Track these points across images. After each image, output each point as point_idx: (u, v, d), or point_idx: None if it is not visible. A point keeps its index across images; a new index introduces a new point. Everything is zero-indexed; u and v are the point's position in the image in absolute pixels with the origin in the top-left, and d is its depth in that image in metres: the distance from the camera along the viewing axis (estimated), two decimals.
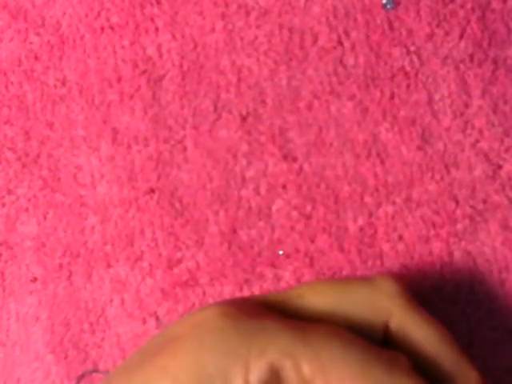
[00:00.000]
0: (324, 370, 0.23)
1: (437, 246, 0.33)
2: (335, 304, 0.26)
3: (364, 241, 0.33)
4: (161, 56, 0.34)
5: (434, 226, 0.33)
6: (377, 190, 0.33)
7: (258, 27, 0.34)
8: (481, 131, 0.33)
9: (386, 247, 0.33)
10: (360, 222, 0.33)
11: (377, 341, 0.26)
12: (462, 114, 0.33)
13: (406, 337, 0.26)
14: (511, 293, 0.32)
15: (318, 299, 0.26)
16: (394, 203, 0.33)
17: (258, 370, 0.23)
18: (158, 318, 0.33)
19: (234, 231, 0.33)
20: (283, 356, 0.23)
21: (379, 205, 0.33)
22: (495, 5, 0.34)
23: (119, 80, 0.34)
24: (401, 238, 0.33)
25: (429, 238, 0.33)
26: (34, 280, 0.34)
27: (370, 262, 0.33)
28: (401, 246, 0.33)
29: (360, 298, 0.26)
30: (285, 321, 0.25)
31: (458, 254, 0.33)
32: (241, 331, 0.24)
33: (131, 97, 0.34)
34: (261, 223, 0.33)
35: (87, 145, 0.34)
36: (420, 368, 0.26)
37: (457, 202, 0.33)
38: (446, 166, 0.33)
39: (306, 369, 0.23)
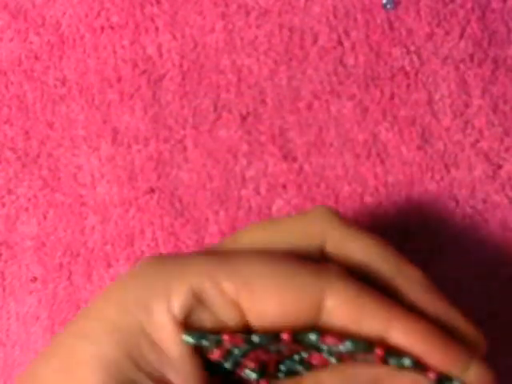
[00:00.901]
0: (247, 284, 0.23)
1: None
2: (268, 240, 0.25)
3: None
4: (161, 56, 0.34)
5: None
6: (377, 189, 0.33)
7: (258, 27, 0.34)
8: (481, 131, 0.33)
9: None
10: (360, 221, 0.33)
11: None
12: (461, 114, 0.33)
13: (343, 254, 0.25)
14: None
15: (251, 239, 0.25)
16: (394, 203, 0.33)
17: (178, 296, 0.23)
18: None
19: (234, 231, 0.33)
20: (203, 278, 0.23)
21: (379, 205, 0.33)
22: (495, 5, 0.34)
23: (119, 80, 0.34)
24: None
25: None
26: (34, 280, 0.34)
27: None
28: None
29: (292, 228, 0.25)
30: (206, 253, 0.24)
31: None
32: (161, 265, 0.24)
33: (131, 97, 0.34)
34: None
35: (87, 145, 0.34)
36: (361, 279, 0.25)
37: (457, 202, 0.33)
38: (446, 166, 0.33)
39: (228, 286, 0.23)
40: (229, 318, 0.23)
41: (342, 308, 0.22)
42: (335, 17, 0.34)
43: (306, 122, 0.34)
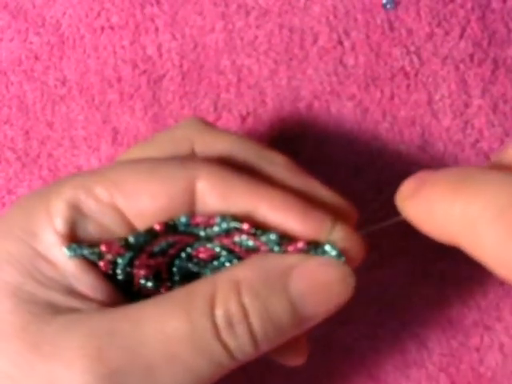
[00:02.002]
0: (117, 184, 0.23)
1: None
2: (142, 154, 0.26)
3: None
4: (161, 56, 0.34)
5: None
6: (377, 189, 0.33)
7: (257, 27, 0.34)
8: (481, 131, 0.33)
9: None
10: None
11: None
12: (461, 114, 0.33)
13: (211, 151, 0.26)
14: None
15: (127, 157, 0.26)
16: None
17: (58, 212, 0.23)
18: None
19: None
20: (76, 190, 0.23)
21: (380, 205, 0.33)
22: (495, 5, 0.34)
23: (119, 80, 0.34)
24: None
25: None
26: None
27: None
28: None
29: (163, 140, 0.27)
30: (81, 172, 0.25)
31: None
32: (37, 192, 0.25)
33: (131, 97, 0.34)
34: None
35: (87, 145, 0.34)
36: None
37: None
38: (446, 166, 0.33)
39: (100, 191, 0.23)
40: (111, 222, 0.24)
41: (212, 189, 0.23)
42: (335, 17, 0.34)
43: (305, 122, 0.34)
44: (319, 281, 0.23)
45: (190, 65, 0.34)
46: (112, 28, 0.35)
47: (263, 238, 0.23)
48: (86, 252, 0.23)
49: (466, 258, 0.33)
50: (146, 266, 0.24)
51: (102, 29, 0.35)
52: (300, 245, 0.23)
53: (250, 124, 0.34)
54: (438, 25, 0.34)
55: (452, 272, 0.33)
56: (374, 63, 0.34)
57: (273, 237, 0.23)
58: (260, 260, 0.24)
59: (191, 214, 0.23)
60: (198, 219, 0.23)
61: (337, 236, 0.24)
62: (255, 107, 0.34)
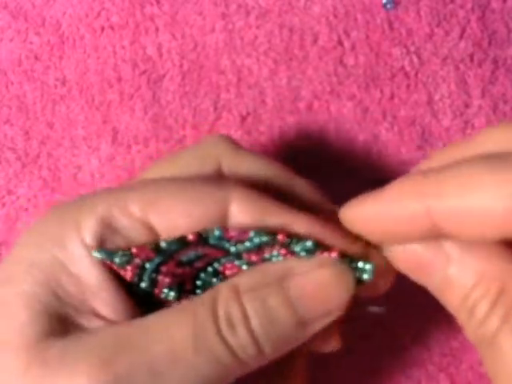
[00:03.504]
0: (152, 202, 0.24)
1: None
2: (168, 172, 0.26)
3: None
4: (161, 56, 0.34)
5: None
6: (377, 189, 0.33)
7: (257, 27, 0.34)
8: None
9: None
10: None
11: None
12: (461, 114, 0.33)
13: (238, 172, 0.27)
14: None
15: (154, 175, 0.27)
16: None
17: (88, 226, 0.23)
18: None
19: None
20: (110, 205, 0.23)
21: None
22: (495, 5, 0.34)
23: (119, 80, 0.34)
24: None
25: None
26: None
27: None
28: None
29: (189, 158, 0.27)
30: (112, 188, 0.25)
31: None
32: (71, 203, 0.25)
33: (131, 97, 0.34)
34: None
35: (87, 145, 0.34)
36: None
37: None
38: None
39: (134, 208, 0.23)
40: (141, 239, 0.24)
41: (245, 211, 0.23)
42: (335, 17, 0.34)
43: (306, 122, 0.34)
44: (316, 281, 0.23)
45: (190, 65, 0.34)
46: (112, 28, 0.35)
47: (297, 248, 0.23)
48: (115, 255, 0.23)
49: None
50: (172, 274, 0.24)
51: (102, 29, 0.35)
52: (333, 254, 0.23)
53: (249, 124, 0.34)
54: (438, 25, 0.34)
55: None
56: (374, 63, 0.34)
57: (309, 244, 0.23)
58: (260, 266, 0.24)
59: (225, 227, 0.23)
60: (232, 233, 0.23)
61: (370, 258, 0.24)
62: (255, 107, 0.34)
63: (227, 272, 0.25)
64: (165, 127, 0.34)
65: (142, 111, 0.34)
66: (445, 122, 0.33)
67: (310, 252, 0.23)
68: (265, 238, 0.23)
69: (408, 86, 0.34)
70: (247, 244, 0.23)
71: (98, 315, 0.24)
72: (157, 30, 0.35)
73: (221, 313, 0.23)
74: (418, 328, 0.33)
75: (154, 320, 0.23)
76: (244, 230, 0.23)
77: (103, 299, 0.24)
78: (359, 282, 0.24)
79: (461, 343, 0.33)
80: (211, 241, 0.23)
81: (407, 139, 0.33)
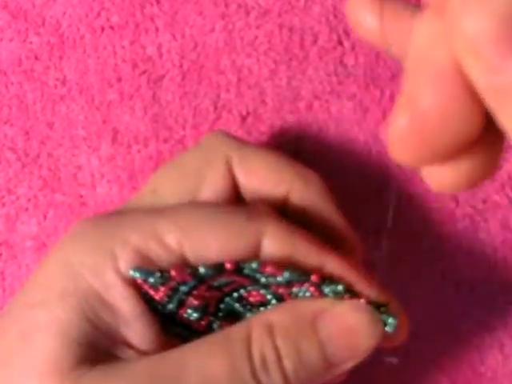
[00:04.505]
0: (187, 234, 0.24)
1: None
2: (180, 184, 0.27)
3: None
4: (161, 56, 0.34)
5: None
6: (376, 189, 0.33)
7: (257, 27, 0.34)
8: None
9: None
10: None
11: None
12: None
13: (248, 168, 0.27)
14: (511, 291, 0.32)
15: (168, 188, 0.27)
16: (394, 204, 0.33)
17: (125, 259, 0.23)
18: None
19: None
20: (146, 239, 0.23)
21: (379, 205, 0.33)
22: None
23: (119, 80, 0.34)
24: None
25: None
26: None
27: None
28: None
29: (195, 160, 0.27)
30: (142, 211, 0.25)
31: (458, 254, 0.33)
32: (101, 227, 0.25)
33: (131, 97, 0.34)
34: None
35: (87, 145, 0.34)
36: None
37: (457, 202, 0.33)
38: None
39: (171, 240, 0.24)
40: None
41: (278, 247, 0.24)
42: (335, 17, 0.34)
43: (306, 122, 0.34)
44: (347, 325, 0.24)
45: (190, 65, 0.34)
46: (112, 28, 0.35)
47: (327, 289, 0.24)
48: (152, 275, 0.23)
49: (464, 256, 0.33)
50: (201, 297, 0.24)
51: (102, 29, 0.35)
52: (362, 301, 0.24)
53: (249, 124, 0.34)
54: None
55: (452, 272, 0.33)
56: (374, 63, 0.34)
57: (340, 288, 0.24)
58: (292, 304, 0.24)
59: (262, 261, 0.24)
60: (268, 269, 0.23)
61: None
62: (255, 107, 0.34)
63: (251, 299, 0.25)
64: (165, 127, 0.34)
65: (141, 111, 0.34)
66: None
67: (338, 295, 0.24)
68: (298, 275, 0.23)
69: None
70: (279, 279, 0.24)
71: (129, 345, 0.24)
72: (157, 30, 0.35)
73: (255, 353, 0.23)
74: (418, 328, 0.33)
75: (189, 353, 0.23)
76: (279, 268, 0.23)
77: (136, 330, 0.24)
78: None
79: (461, 343, 0.33)
80: (246, 271, 0.24)
81: None
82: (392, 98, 0.34)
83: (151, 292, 0.24)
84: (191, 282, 0.24)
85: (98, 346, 0.23)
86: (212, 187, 0.26)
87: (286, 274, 0.23)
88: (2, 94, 0.35)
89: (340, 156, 0.34)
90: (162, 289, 0.23)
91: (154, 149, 0.34)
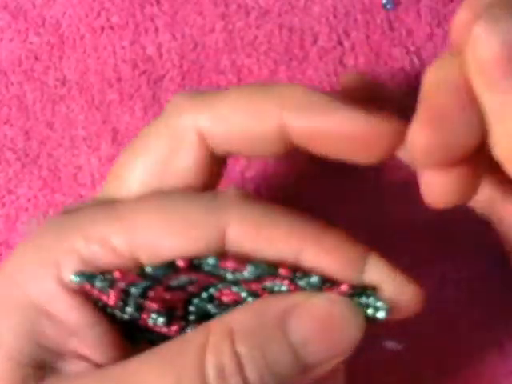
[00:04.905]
0: (138, 235, 0.21)
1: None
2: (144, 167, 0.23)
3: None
4: (161, 56, 0.34)
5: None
6: (376, 189, 0.33)
7: (257, 27, 0.34)
8: None
9: None
10: None
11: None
12: None
13: (222, 132, 0.23)
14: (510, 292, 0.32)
15: (131, 171, 0.24)
16: (394, 203, 0.33)
17: (67, 266, 0.22)
18: None
19: None
20: (91, 243, 0.22)
21: (380, 202, 0.33)
22: None
23: (119, 80, 0.34)
24: None
25: None
26: None
27: None
28: None
29: (160, 134, 0.23)
30: (91, 211, 0.23)
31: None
32: (51, 228, 0.23)
33: (131, 97, 0.34)
34: None
35: (87, 145, 0.34)
36: None
37: None
38: None
39: (118, 243, 0.21)
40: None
41: (244, 237, 0.21)
42: (335, 17, 0.34)
43: None
44: (322, 321, 0.21)
45: (190, 65, 0.34)
46: (112, 28, 0.35)
47: (302, 282, 0.21)
48: (96, 279, 0.21)
49: (464, 256, 0.33)
50: (160, 299, 0.22)
51: (102, 29, 0.35)
52: (344, 288, 0.21)
53: None
54: (438, 25, 0.34)
55: (452, 272, 0.33)
56: (374, 63, 0.34)
57: (314, 279, 0.21)
58: (258, 303, 0.22)
59: (220, 255, 0.21)
60: (228, 264, 0.21)
61: (371, 273, 0.21)
62: None
63: (224, 298, 0.23)
64: None
65: (141, 111, 0.34)
66: None
67: (314, 287, 0.21)
68: (266, 272, 0.21)
69: (408, 86, 0.34)
70: (245, 274, 0.21)
71: (81, 357, 0.22)
72: (157, 30, 0.35)
73: (209, 363, 0.20)
74: (418, 327, 0.33)
75: (131, 368, 0.21)
76: (242, 262, 0.21)
77: (86, 341, 0.22)
78: (374, 319, 0.21)
79: (461, 343, 0.33)
80: (205, 267, 0.21)
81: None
82: None
83: (103, 298, 0.22)
84: (141, 283, 0.22)
85: (44, 364, 0.22)
86: (182, 164, 0.23)
87: (250, 269, 0.21)
88: (2, 93, 0.35)
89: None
90: (113, 292, 0.22)
91: None
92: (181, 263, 0.21)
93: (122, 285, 0.22)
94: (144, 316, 0.23)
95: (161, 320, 0.23)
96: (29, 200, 0.34)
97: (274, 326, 0.21)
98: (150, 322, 0.23)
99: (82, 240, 0.22)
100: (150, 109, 0.34)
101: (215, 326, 0.21)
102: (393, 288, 0.21)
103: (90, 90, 0.35)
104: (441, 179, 0.21)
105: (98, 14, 0.35)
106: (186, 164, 0.23)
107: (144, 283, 0.22)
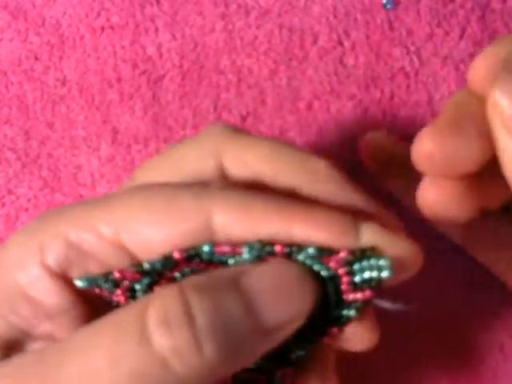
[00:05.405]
0: (124, 222, 0.21)
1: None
2: (162, 173, 0.24)
3: None
4: (161, 56, 0.34)
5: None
6: (376, 190, 0.33)
7: (257, 27, 0.34)
8: None
9: None
10: None
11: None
12: None
13: (243, 165, 0.23)
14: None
15: (146, 177, 0.24)
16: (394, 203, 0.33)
17: (53, 250, 0.22)
18: None
19: None
20: (79, 229, 0.22)
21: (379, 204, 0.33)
22: (495, 5, 0.34)
23: (119, 80, 0.34)
24: None
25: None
26: None
27: None
28: None
29: (185, 154, 0.24)
30: (84, 202, 0.23)
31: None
32: (36, 225, 0.23)
33: (131, 97, 0.34)
34: None
35: (87, 145, 0.34)
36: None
37: None
38: None
39: (106, 229, 0.21)
40: (116, 261, 0.22)
41: (232, 220, 0.21)
42: (335, 17, 0.34)
43: (305, 122, 0.34)
44: (272, 283, 0.20)
45: (190, 65, 0.34)
46: (112, 28, 0.35)
47: (300, 257, 0.21)
48: (99, 281, 0.22)
49: (464, 256, 0.33)
50: None
51: (102, 29, 0.35)
52: (342, 254, 0.21)
53: (249, 124, 0.34)
54: (438, 25, 0.34)
55: (452, 272, 0.33)
56: (374, 63, 0.34)
57: (311, 251, 0.21)
58: (211, 271, 0.21)
59: (215, 242, 0.21)
60: (223, 248, 0.21)
61: (366, 237, 0.21)
62: (255, 107, 0.34)
63: None
64: (165, 127, 0.34)
65: (141, 111, 0.34)
66: None
67: (315, 259, 0.21)
68: (262, 251, 0.21)
69: (408, 86, 0.34)
70: (245, 256, 0.21)
71: (55, 339, 0.22)
72: (157, 30, 0.35)
73: (151, 313, 0.19)
74: (418, 328, 0.33)
75: (74, 342, 0.20)
76: (236, 244, 0.21)
77: (62, 323, 0.22)
78: (380, 281, 0.21)
79: (461, 343, 0.33)
80: (204, 256, 0.21)
81: (407, 139, 0.33)
82: (392, 98, 0.34)
83: (113, 298, 0.22)
84: (144, 280, 0.22)
85: (15, 343, 0.22)
86: (194, 174, 0.24)
87: (246, 250, 0.21)
88: (2, 93, 0.35)
89: (340, 156, 0.34)
90: (119, 292, 0.22)
91: (154, 149, 0.34)
92: (176, 255, 0.21)
93: (126, 283, 0.22)
94: None
95: None
96: (29, 200, 0.34)
97: (227, 282, 0.20)
98: None
99: (68, 225, 0.22)
100: (149, 109, 0.34)
101: (164, 287, 0.21)
102: (391, 245, 0.21)
103: (90, 90, 0.35)
104: (438, 188, 0.23)
105: (98, 14, 0.35)
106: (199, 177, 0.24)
107: (146, 279, 0.22)
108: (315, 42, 0.34)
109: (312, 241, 0.21)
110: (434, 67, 0.34)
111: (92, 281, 0.22)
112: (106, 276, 0.22)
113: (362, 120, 0.34)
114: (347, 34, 0.34)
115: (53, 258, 0.22)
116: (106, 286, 0.22)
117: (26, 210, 0.34)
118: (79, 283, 0.22)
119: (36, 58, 0.35)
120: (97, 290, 0.22)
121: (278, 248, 0.21)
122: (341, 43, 0.34)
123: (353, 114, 0.34)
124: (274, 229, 0.21)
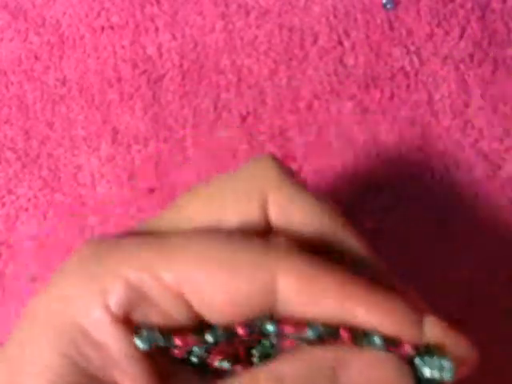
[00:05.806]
0: (188, 274, 0.21)
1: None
2: (209, 210, 0.23)
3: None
4: (161, 56, 0.34)
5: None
6: (376, 190, 0.33)
7: (257, 27, 0.34)
8: (481, 131, 0.33)
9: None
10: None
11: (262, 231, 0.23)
12: (461, 114, 0.33)
13: (287, 216, 0.23)
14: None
15: (194, 207, 0.24)
16: (394, 203, 0.33)
17: (115, 293, 0.21)
18: None
19: None
20: (141, 271, 0.21)
21: (379, 205, 0.33)
22: (495, 5, 0.34)
23: (119, 80, 0.34)
24: (406, 240, 0.33)
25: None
26: (34, 280, 0.34)
27: None
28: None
29: (230, 191, 0.24)
30: (144, 237, 0.23)
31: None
32: (98, 254, 0.22)
33: (131, 97, 0.34)
34: None
35: (87, 145, 0.34)
36: (308, 247, 0.23)
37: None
38: (446, 166, 0.33)
39: (169, 278, 0.21)
40: (176, 311, 0.22)
41: (296, 290, 0.20)
42: (335, 17, 0.34)
43: (305, 122, 0.34)
44: (372, 377, 0.20)
45: (190, 65, 0.34)
46: (112, 28, 0.35)
47: (366, 343, 0.21)
48: (158, 342, 0.21)
49: (465, 256, 0.33)
50: (223, 352, 0.23)
51: (102, 29, 0.35)
52: (408, 349, 0.20)
53: (250, 124, 0.34)
54: (438, 25, 0.34)
55: (452, 272, 0.33)
56: (374, 63, 0.34)
57: (377, 340, 0.20)
58: (306, 352, 0.21)
59: (278, 321, 0.21)
60: (288, 329, 0.21)
61: (428, 332, 0.21)
62: (255, 107, 0.34)
63: (285, 346, 0.22)
64: (165, 127, 0.34)
65: (141, 111, 0.34)
66: (445, 122, 0.33)
67: (379, 349, 0.21)
68: (324, 333, 0.21)
69: (408, 86, 0.34)
70: (309, 334, 0.21)
71: None
72: (157, 30, 0.35)
73: None
74: None
75: None
76: (300, 325, 0.21)
77: (125, 369, 0.22)
78: (439, 381, 0.21)
79: None
80: (267, 333, 0.21)
81: (407, 139, 0.33)
82: (392, 98, 0.34)
83: (170, 351, 0.22)
84: (203, 347, 0.22)
85: None
86: (240, 217, 0.23)
87: (310, 332, 0.21)
88: (2, 93, 0.35)
89: (340, 156, 0.34)
90: (177, 352, 0.22)
91: (154, 149, 0.34)
92: (240, 331, 0.21)
93: (184, 347, 0.22)
94: (209, 361, 0.23)
95: (226, 365, 0.23)
96: (29, 200, 0.34)
97: (326, 377, 0.20)
98: (217, 365, 0.23)
99: (129, 268, 0.22)
100: (149, 109, 0.34)
101: (264, 374, 0.21)
102: (453, 344, 0.21)
103: (90, 90, 0.35)
104: None
105: (98, 14, 0.35)
106: (244, 217, 0.23)
107: (205, 346, 0.22)
108: (315, 41, 0.34)
109: (374, 327, 0.21)
110: (433, 67, 0.34)
111: (151, 342, 0.21)
112: (168, 340, 0.22)
113: (362, 120, 0.34)
114: (347, 34, 0.34)
115: (116, 301, 0.21)
116: (164, 344, 0.22)
117: (26, 209, 0.34)
118: (139, 342, 0.21)
119: (36, 58, 0.35)
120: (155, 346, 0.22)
121: (343, 333, 0.21)
122: (341, 43, 0.34)
123: (353, 113, 0.34)
124: (335, 308, 0.21)
